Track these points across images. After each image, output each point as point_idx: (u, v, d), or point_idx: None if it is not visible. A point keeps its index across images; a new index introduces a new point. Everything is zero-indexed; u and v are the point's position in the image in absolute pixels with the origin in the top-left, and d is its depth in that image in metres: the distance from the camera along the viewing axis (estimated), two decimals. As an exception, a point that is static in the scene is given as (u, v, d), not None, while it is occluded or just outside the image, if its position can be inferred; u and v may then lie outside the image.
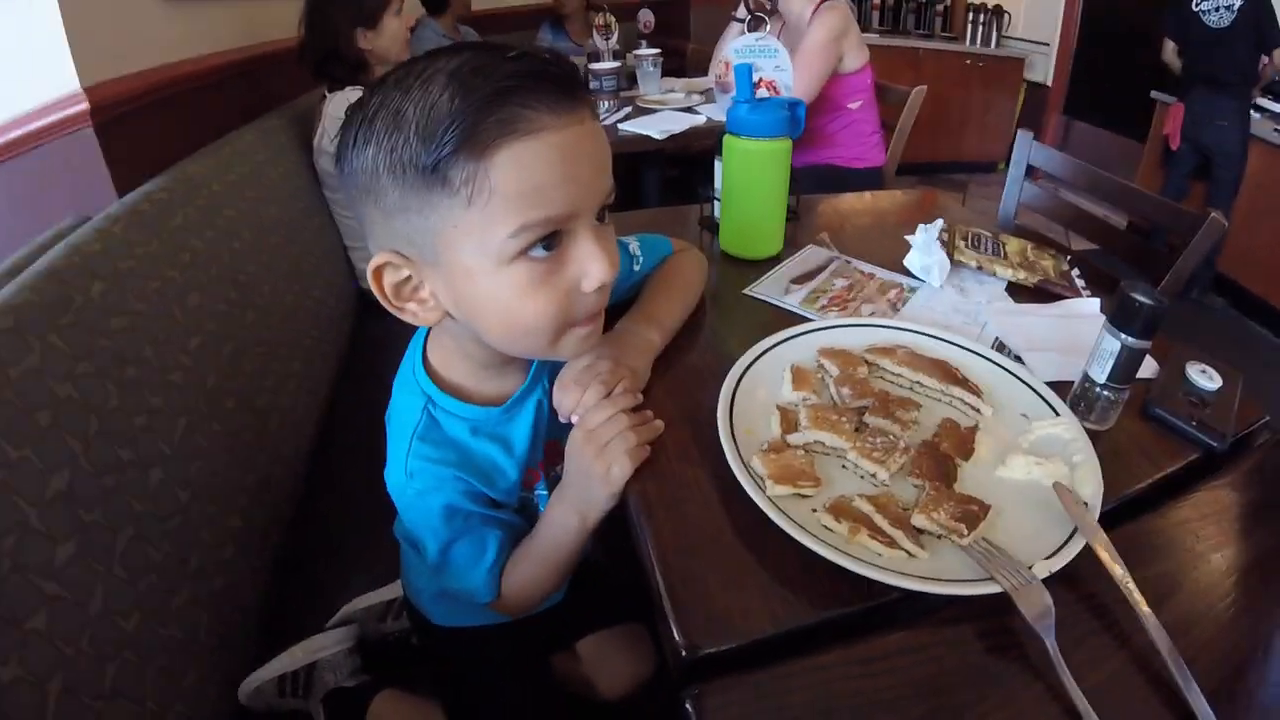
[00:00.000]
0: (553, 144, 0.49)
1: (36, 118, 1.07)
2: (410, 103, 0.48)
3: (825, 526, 0.53)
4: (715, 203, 1.07)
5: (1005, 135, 4.59)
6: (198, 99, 1.41)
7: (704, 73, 2.47)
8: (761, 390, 0.68)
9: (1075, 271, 0.98)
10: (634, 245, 0.81)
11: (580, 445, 0.61)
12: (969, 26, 4.66)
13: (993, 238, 1.03)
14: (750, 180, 0.96)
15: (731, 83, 1.03)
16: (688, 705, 0.44)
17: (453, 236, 0.51)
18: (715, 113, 2.17)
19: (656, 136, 2.01)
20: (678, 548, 0.53)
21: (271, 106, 1.67)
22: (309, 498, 1.12)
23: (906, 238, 0.98)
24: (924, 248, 0.95)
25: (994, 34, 4.62)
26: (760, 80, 1.57)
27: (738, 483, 0.55)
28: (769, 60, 1.59)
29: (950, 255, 0.95)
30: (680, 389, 0.71)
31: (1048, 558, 0.50)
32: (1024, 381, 0.70)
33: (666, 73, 2.64)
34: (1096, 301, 0.88)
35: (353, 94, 1.52)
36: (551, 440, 0.71)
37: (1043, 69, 4.62)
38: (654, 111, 2.27)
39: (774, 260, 1.00)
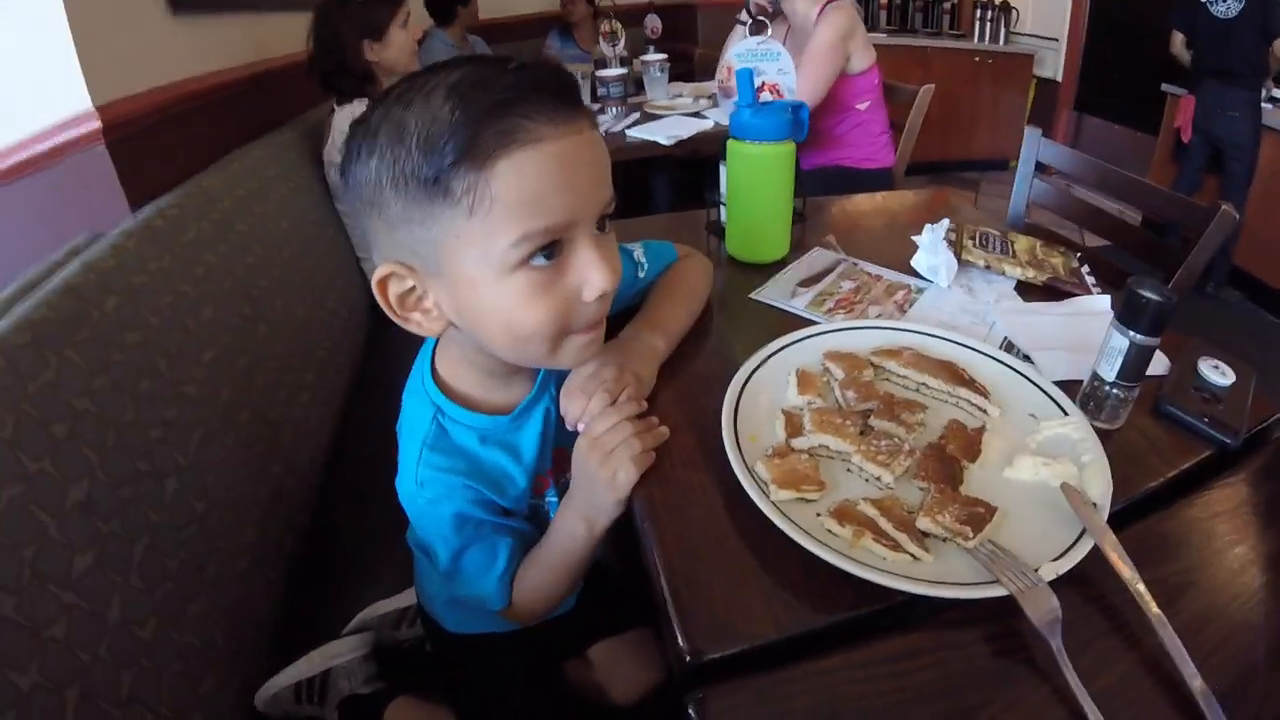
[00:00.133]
0: (551, 153, 0.50)
1: (50, 136, 1.09)
2: (412, 115, 0.49)
3: (829, 531, 0.53)
4: (721, 208, 1.07)
5: (1016, 132, 4.51)
6: (208, 115, 1.43)
7: (711, 77, 2.46)
8: (766, 395, 0.68)
9: (1085, 268, 0.97)
10: (638, 251, 0.82)
11: (586, 452, 0.61)
12: (977, 24, 4.62)
13: (1001, 236, 1.02)
14: (754, 184, 0.96)
15: (734, 87, 1.03)
16: (691, 710, 0.44)
17: (455, 247, 0.51)
18: (723, 117, 2.17)
19: (664, 142, 2.02)
20: (682, 552, 0.54)
21: (281, 120, 1.69)
22: (323, 507, 1.13)
23: (913, 238, 0.98)
24: (930, 248, 0.95)
25: (1002, 30, 4.57)
26: (763, 84, 1.57)
27: (742, 488, 0.55)
28: (772, 64, 1.58)
29: (958, 255, 0.95)
30: (686, 395, 0.71)
31: (1055, 559, 0.50)
32: (1032, 381, 0.69)
33: (674, 78, 2.65)
34: (1106, 298, 0.87)
35: (360, 106, 1.54)
36: (560, 448, 0.71)
37: (1052, 65, 4.57)
38: (662, 117, 2.27)
39: (781, 264, 0.99)
